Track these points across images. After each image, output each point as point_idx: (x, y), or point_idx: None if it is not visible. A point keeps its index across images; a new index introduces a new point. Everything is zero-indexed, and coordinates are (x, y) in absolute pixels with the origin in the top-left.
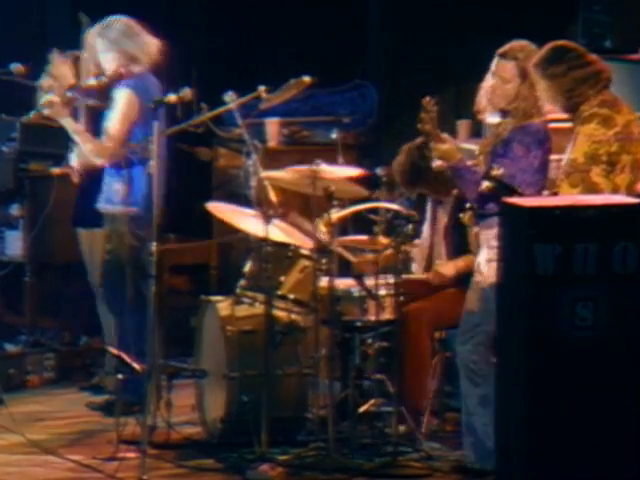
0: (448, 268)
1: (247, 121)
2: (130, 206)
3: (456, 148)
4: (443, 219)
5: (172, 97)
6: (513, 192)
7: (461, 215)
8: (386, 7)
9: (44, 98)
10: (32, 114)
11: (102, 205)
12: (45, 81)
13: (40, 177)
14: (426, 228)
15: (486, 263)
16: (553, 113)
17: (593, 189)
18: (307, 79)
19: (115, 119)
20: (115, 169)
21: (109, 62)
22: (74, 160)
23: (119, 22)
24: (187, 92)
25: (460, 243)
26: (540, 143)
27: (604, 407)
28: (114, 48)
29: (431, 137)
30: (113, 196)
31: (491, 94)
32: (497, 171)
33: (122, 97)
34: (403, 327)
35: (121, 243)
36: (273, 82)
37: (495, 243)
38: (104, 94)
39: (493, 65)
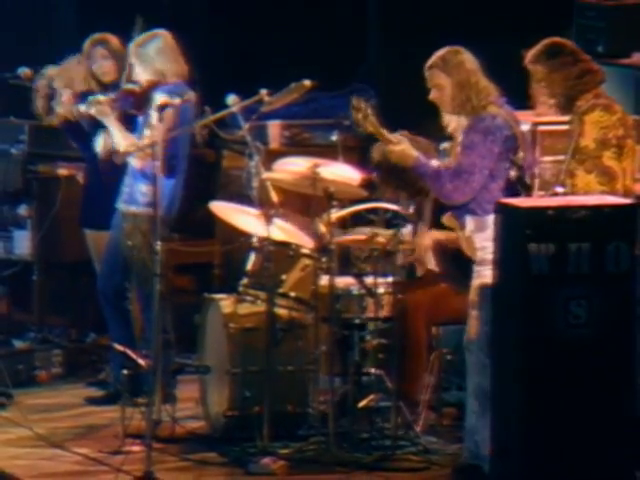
0: (424, 238)
1: (249, 123)
2: (154, 208)
3: (409, 147)
4: (425, 222)
5: (176, 100)
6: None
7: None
8: (385, 11)
9: (92, 98)
10: (71, 111)
11: (124, 206)
12: (41, 84)
13: (48, 178)
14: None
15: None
16: (545, 116)
17: (607, 173)
18: (308, 83)
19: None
20: (143, 171)
21: (141, 74)
22: (100, 144)
23: (158, 37)
24: (191, 95)
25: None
26: (496, 129)
27: (598, 404)
28: (148, 63)
29: (378, 136)
30: (139, 197)
31: (438, 103)
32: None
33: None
34: (401, 317)
35: (144, 241)
36: (275, 86)
37: (485, 244)
38: (139, 101)
39: (427, 78)
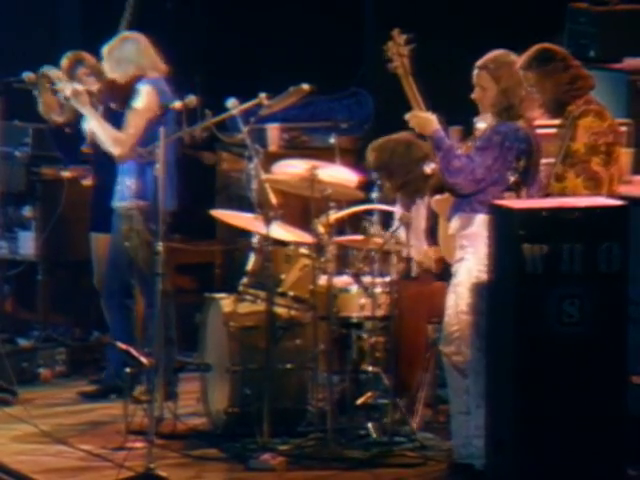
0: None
1: (249, 126)
2: (142, 200)
3: (434, 117)
4: (421, 222)
5: (177, 104)
6: None
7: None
8: (383, 14)
9: (70, 86)
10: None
11: (116, 203)
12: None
13: (51, 180)
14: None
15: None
16: (536, 120)
17: (593, 178)
18: (306, 87)
19: (135, 112)
20: (127, 166)
21: (122, 77)
22: (87, 127)
23: (132, 38)
24: (192, 99)
25: None
26: (515, 140)
27: (591, 401)
28: (126, 64)
29: (403, 83)
30: (126, 191)
31: (478, 103)
32: None
33: (143, 91)
34: (398, 315)
35: (140, 241)
36: (274, 89)
37: (465, 243)
38: (121, 94)
39: (474, 76)
